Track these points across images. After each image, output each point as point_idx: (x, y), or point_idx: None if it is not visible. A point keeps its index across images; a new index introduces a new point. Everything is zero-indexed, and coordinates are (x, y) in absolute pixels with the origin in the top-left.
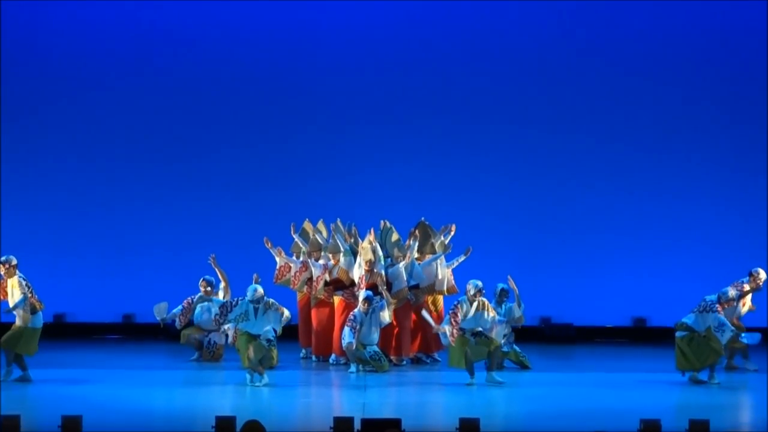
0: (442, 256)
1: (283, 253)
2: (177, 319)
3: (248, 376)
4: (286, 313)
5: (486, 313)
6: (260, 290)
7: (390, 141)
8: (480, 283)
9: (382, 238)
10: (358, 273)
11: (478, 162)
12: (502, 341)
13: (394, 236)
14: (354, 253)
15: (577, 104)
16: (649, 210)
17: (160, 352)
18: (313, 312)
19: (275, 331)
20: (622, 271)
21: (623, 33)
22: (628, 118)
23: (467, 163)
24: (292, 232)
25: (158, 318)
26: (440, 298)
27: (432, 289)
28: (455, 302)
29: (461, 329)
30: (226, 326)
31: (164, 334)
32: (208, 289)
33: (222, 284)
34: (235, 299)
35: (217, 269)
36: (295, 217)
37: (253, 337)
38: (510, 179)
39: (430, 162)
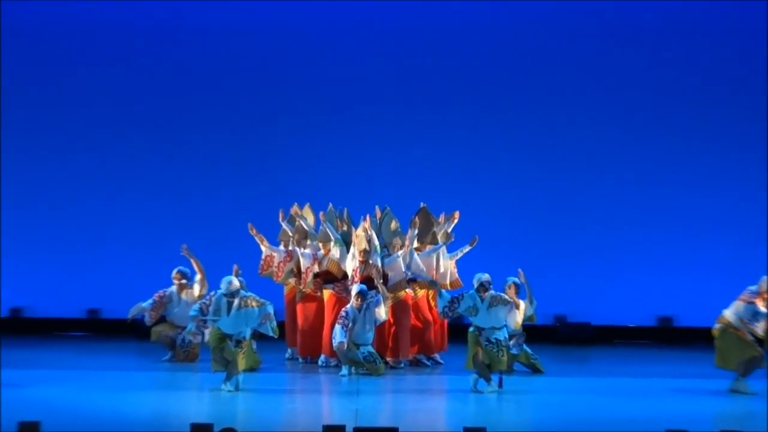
0: (444, 247)
1: (265, 241)
2: (146, 315)
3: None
4: (269, 308)
5: (501, 306)
6: (236, 282)
7: (388, 119)
8: (484, 277)
9: (379, 226)
10: (351, 264)
11: (487, 143)
12: (511, 343)
13: (393, 224)
14: (346, 242)
15: (600, 85)
16: (676, 199)
17: (128, 351)
18: (300, 307)
19: (271, 330)
20: (647, 265)
21: (649, 15)
22: (656, 102)
23: (474, 144)
24: (280, 219)
25: (130, 316)
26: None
27: (432, 282)
28: (460, 293)
29: (478, 328)
30: (207, 330)
31: (133, 331)
32: (183, 281)
33: (198, 276)
34: (210, 295)
35: (192, 259)
36: (283, 202)
37: (224, 337)
38: (522, 162)
39: (432, 142)
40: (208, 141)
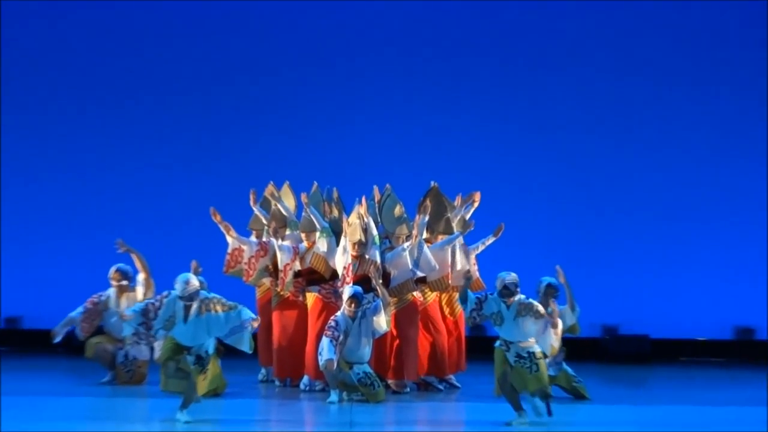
0: (462, 237)
1: (233, 231)
2: (78, 327)
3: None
4: (246, 313)
5: (530, 317)
6: (194, 281)
7: (391, 76)
8: (509, 277)
9: (378, 211)
10: (342, 260)
11: (516, 106)
12: (547, 361)
13: (397, 209)
14: (336, 232)
15: (667, 52)
16: (756, 188)
17: (56, 370)
18: (277, 315)
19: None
20: (721, 264)
21: None
22: (735, 79)
23: (499, 107)
24: (251, 203)
25: (57, 332)
26: (457, 298)
27: (445, 283)
28: (483, 293)
29: (506, 341)
30: (155, 341)
31: (63, 345)
32: (123, 282)
33: (141, 276)
34: (159, 297)
35: (133, 255)
36: (255, 181)
37: (181, 349)
38: (562, 132)
39: (446, 105)
40: (156, 103)
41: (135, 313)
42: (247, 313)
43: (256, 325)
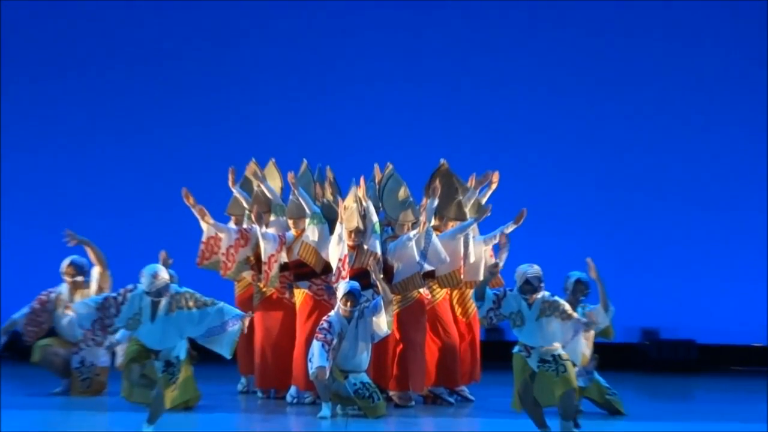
0: (476, 225)
1: (208, 217)
2: (24, 329)
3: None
4: (229, 311)
5: (556, 318)
6: (163, 274)
7: (393, 43)
8: (531, 270)
9: (379, 194)
10: (336, 251)
11: (542, 76)
12: (577, 370)
13: (401, 191)
14: (329, 218)
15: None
16: None
17: (2, 378)
18: (259, 316)
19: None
20: None
21: None
22: None
23: (522, 76)
24: (230, 183)
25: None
26: (471, 295)
27: (457, 278)
28: (501, 290)
29: (526, 346)
30: (115, 340)
31: (7, 348)
32: (78, 278)
33: (96, 270)
34: (123, 291)
35: (87, 247)
36: (235, 157)
37: (147, 352)
38: (597, 109)
39: (458, 75)
40: (118, 68)
41: (89, 307)
42: (231, 310)
43: (246, 323)
